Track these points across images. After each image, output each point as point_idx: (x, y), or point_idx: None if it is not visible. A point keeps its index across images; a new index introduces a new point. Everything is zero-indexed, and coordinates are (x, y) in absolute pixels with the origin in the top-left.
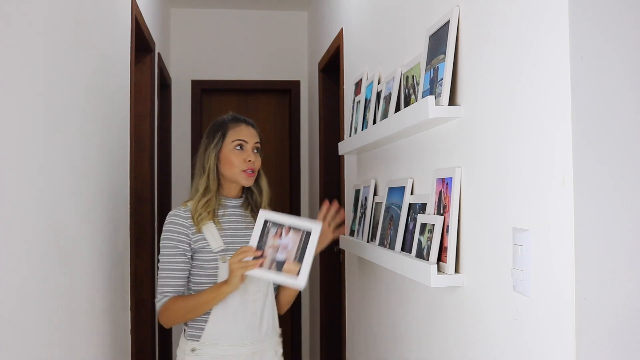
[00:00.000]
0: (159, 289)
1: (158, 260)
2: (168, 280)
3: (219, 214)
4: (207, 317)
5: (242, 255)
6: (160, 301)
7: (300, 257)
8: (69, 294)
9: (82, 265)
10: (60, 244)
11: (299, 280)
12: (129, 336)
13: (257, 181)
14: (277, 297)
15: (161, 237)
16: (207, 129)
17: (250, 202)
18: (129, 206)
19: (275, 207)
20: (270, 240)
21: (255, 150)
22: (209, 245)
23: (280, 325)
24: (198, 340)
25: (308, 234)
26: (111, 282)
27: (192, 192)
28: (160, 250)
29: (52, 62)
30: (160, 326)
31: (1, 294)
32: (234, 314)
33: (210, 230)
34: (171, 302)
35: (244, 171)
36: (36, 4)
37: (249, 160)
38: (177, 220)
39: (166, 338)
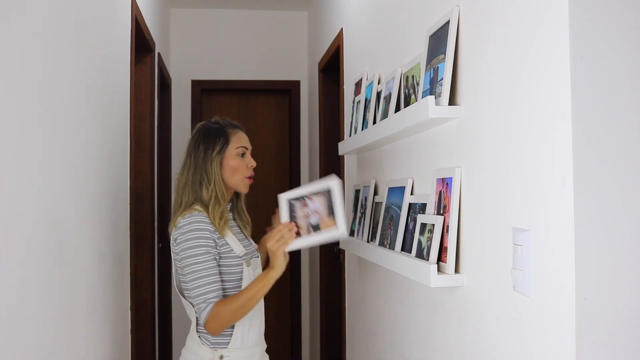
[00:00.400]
0: (200, 298)
1: (186, 272)
2: (209, 286)
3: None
4: (234, 325)
5: (279, 235)
6: (205, 309)
7: (331, 212)
8: (69, 293)
9: (82, 265)
10: (61, 244)
11: (340, 230)
12: (129, 336)
13: None
14: None
15: (187, 245)
16: (199, 135)
17: (233, 205)
18: (129, 206)
19: (275, 207)
20: (299, 211)
21: (251, 154)
22: (232, 250)
23: (281, 326)
24: (226, 347)
25: (330, 191)
26: (111, 282)
27: (190, 197)
28: (191, 258)
29: (52, 62)
30: (160, 326)
31: (1, 293)
32: (253, 315)
33: (230, 236)
34: (218, 307)
35: (247, 177)
36: (36, 4)
37: (251, 166)
38: (203, 226)
39: (166, 338)
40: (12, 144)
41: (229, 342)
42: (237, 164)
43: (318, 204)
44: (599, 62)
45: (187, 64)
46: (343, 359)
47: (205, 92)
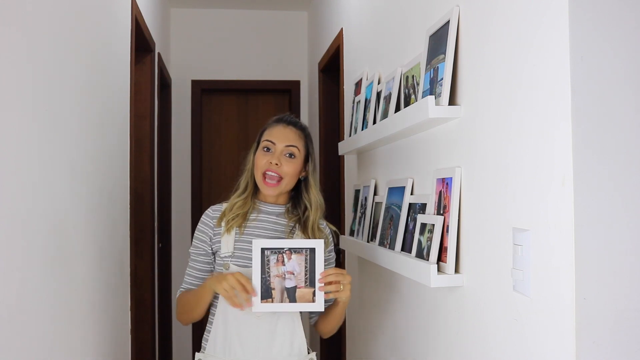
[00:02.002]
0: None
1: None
2: (186, 276)
3: (250, 217)
4: (210, 328)
5: (235, 285)
6: (176, 295)
7: (310, 279)
8: (68, 293)
9: (82, 265)
10: (60, 244)
11: (317, 305)
12: (129, 336)
13: (303, 193)
14: (316, 324)
15: None
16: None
17: (299, 214)
18: (129, 206)
19: None
20: (274, 269)
21: (288, 155)
22: (221, 249)
23: None
24: (203, 352)
25: (312, 251)
26: (111, 282)
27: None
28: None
29: (52, 63)
30: (160, 326)
31: (1, 294)
32: (237, 328)
33: (229, 235)
34: (179, 297)
35: (263, 174)
36: (37, 4)
37: (271, 163)
38: (204, 219)
39: (166, 338)
40: (12, 144)
41: (205, 346)
42: (256, 158)
43: (295, 264)
44: (599, 62)
45: (187, 64)
46: (343, 359)
47: (205, 92)
